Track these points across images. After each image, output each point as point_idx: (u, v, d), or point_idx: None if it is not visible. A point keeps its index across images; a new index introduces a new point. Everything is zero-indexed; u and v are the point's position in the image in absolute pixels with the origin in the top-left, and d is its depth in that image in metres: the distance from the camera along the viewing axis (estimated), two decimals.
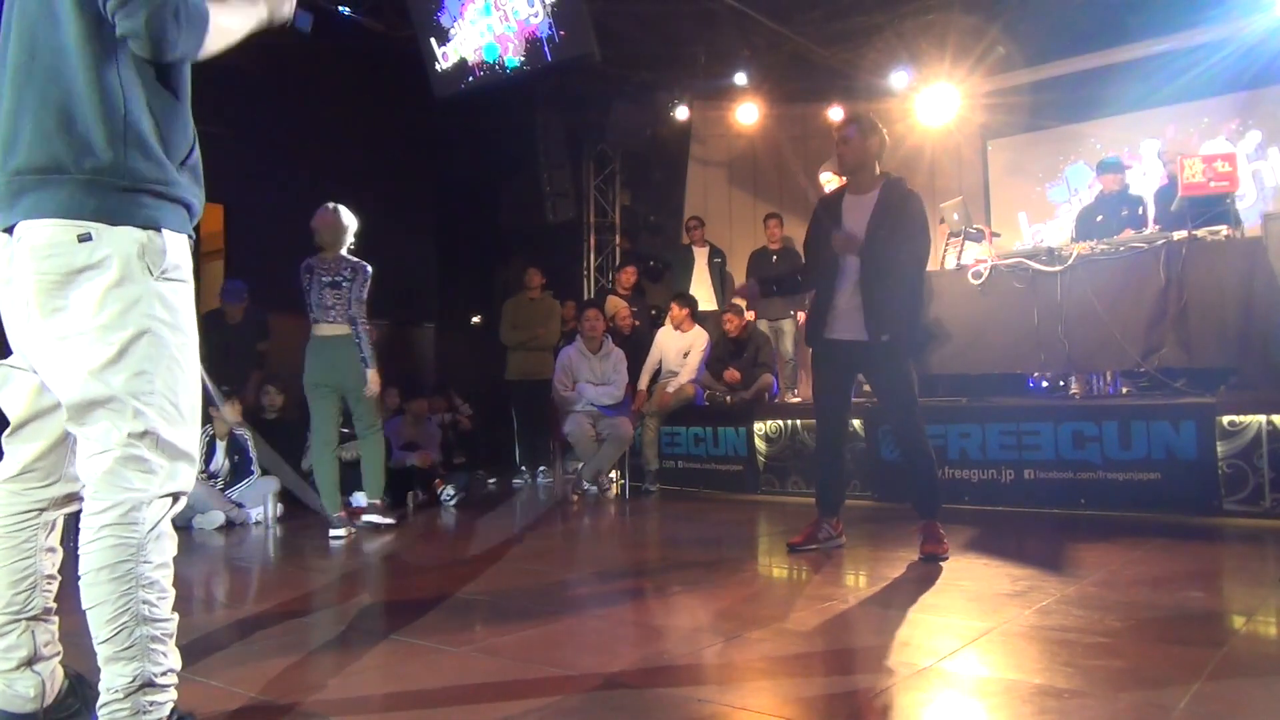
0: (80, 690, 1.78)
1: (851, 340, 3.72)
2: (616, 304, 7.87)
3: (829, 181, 6.32)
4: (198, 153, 1.73)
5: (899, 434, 3.75)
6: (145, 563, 1.55)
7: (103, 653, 1.54)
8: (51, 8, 1.58)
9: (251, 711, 1.97)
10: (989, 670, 2.16)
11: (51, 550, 1.76)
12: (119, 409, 1.56)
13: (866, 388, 4.59)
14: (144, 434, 1.58)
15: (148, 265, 1.59)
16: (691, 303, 6.94)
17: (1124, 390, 5.50)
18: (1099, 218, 6.24)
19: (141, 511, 1.56)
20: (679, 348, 6.75)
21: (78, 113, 1.56)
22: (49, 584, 1.74)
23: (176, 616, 1.62)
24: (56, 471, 1.73)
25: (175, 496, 1.63)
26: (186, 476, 1.65)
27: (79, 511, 1.73)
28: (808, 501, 4.29)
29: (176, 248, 1.65)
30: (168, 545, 1.61)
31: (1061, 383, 6.06)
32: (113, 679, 1.53)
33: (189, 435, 1.65)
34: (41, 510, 1.73)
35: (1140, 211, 6.17)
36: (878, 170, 3.81)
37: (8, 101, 1.61)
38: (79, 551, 1.56)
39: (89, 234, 1.55)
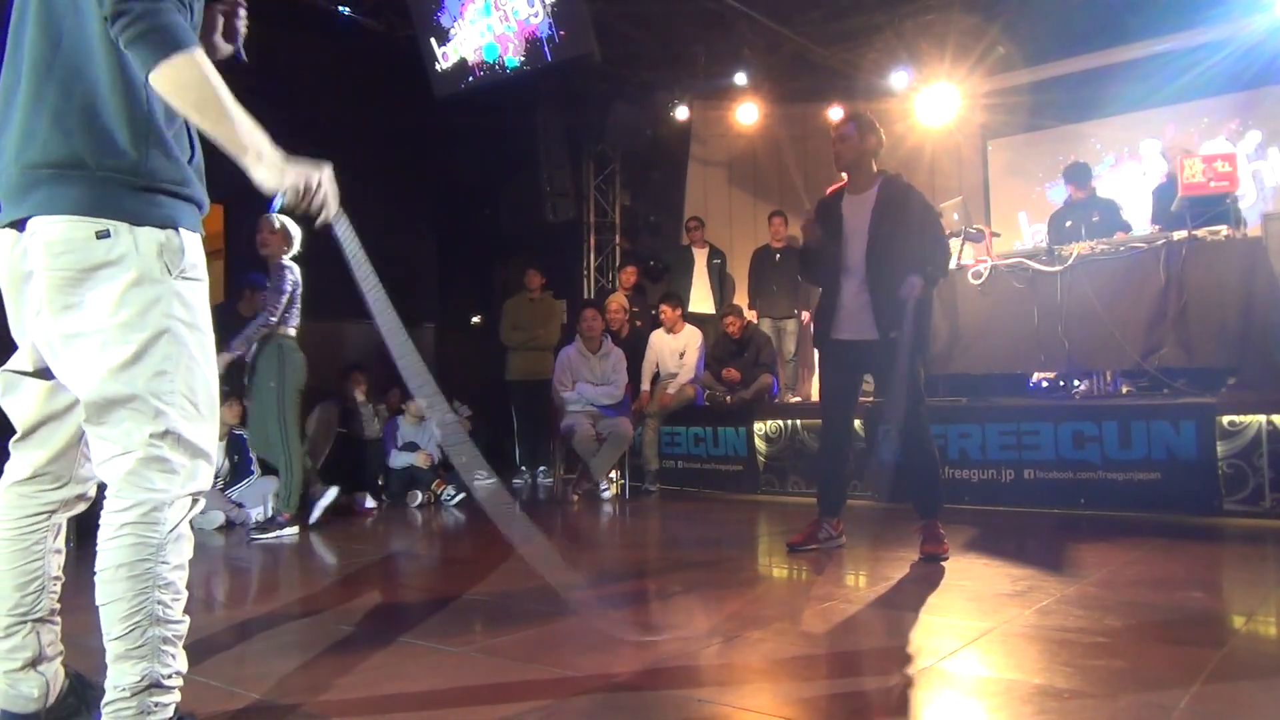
0: (80, 690, 1.78)
1: (860, 340, 3.72)
2: (616, 299, 7.86)
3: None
4: (201, 152, 1.73)
5: (904, 432, 3.76)
6: (163, 563, 1.55)
7: (113, 650, 1.53)
8: (77, 2, 1.55)
9: (252, 712, 1.97)
10: (989, 670, 2.16)
11: (58, 551, 1.75)
12: (140, 408, 1.55)
13: (869, 387, 4.59)
14: (165, 434, 1.57)
15: (166, 264, 1.58)
16: (681, 303, 6.94)
17: (1124, 390, 5.50)
18: (1068, 223, 6.24)
19: (163, 512, 1.56)
20: (673, 349, 6.75)
21: (102, 109, 1.55)
22: (55, 585, 1.74)
23: (188, 619, 1.61)
24: (67, 474, 1.73)
25: (195, 497, 1.62)
26: (206, 475, 1.64)
27: (86, 512, 1.72)
28: (808, 501, 4.29)
29: (193, 246, 1.64)
30: (185, 547, 1.60)
31: (1062, 383, 6.05)
32: (121, 677, 1.52)
33: (208, 434, 1.64)
34: (51, 513, 1.73)
35: (1120, 215, 6.16)
36: (875, 169, 3.83)
37: (25, 95, 1.58)
38: (98, 547, 1.54)
39: (107, 231, 1.53)
